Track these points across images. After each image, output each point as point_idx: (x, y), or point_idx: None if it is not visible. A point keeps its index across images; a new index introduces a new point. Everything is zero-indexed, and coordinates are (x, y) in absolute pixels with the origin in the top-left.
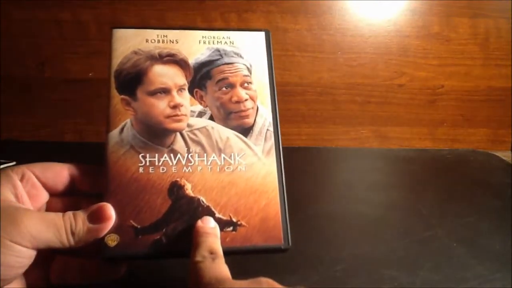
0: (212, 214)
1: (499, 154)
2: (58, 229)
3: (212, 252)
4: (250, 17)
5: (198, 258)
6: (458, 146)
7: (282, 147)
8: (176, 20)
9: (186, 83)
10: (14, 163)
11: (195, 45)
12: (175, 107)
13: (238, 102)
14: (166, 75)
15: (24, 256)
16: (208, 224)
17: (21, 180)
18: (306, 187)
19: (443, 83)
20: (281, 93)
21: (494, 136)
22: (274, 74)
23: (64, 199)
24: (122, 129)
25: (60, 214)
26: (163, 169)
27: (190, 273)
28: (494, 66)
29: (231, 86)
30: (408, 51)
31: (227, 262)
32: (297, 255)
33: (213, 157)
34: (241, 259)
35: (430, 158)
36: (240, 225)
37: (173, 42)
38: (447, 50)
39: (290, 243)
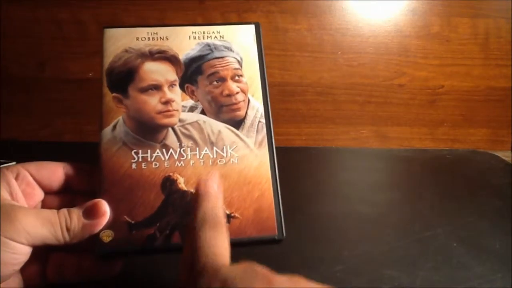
0: None
1: (499, 154)
2: (53, 225)
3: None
4: (250, 17)
5: (194, 223)
6: (458, 146)
7: (282, 147)
8: (176, 20)
9: (177, 79)
10: (14, 163)
11: (185, 40)
12: (167, 102)
13: (229, 95)
14: (157, 71)
15: (19, 253)
16: (212, 181)
17: (16, 178)
18: (306, 187)
19: (443, 83)
20: (281, 93)
21: (494, 136)
22: (265, 66)
23: (59, 197)
24: (114, 126)
25: (55, 211)
26: (155, 165)
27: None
28: (494, 66)
29: (222, 79)
30: (408, 51)
31: None
32: (297, 254)
33: (205, 150)
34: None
35: (430, 158)
36: (234, 217)
37: (163, 39)
38: (447, 50)
39: (284, 234)
